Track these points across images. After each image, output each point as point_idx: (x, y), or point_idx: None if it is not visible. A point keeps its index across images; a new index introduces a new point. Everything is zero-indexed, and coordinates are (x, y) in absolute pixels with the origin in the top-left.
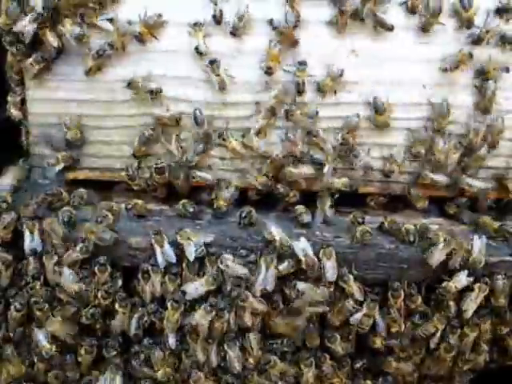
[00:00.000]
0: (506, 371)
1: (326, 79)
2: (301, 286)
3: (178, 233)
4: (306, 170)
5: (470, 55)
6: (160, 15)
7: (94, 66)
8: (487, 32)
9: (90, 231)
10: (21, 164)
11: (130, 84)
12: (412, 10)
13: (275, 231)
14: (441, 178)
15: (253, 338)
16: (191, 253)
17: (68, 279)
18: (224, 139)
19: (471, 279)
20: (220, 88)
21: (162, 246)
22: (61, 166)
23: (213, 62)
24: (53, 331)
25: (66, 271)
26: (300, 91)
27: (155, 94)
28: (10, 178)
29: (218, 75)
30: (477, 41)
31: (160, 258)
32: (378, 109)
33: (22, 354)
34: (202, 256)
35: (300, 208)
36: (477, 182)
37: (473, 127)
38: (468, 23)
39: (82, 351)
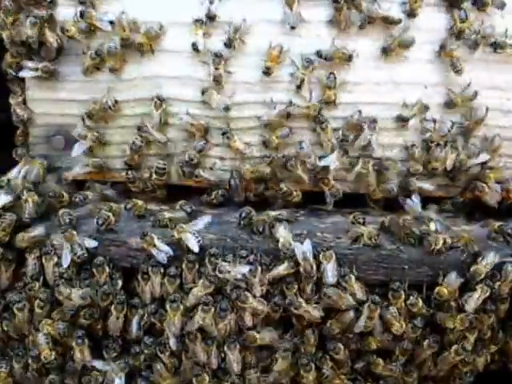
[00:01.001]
0: (507, 372)
1: (328, 92)
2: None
3: (173, 229)
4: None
5: (451, 50)
6: (161, 26)
7: (90, 66)
8: (483, 38)
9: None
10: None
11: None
12: (412, 14)
13: (282, 232)
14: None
15: (254, 375)
16: (194, 244)
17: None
18: (228, 137)
19: (462, 279)
20: (214, 81)
21: (154, 245)
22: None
23: (218, 56)
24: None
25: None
26: (299, 87)
27: (114, 107)
28: None
29: (217, 69)
30: (473, 46)
31: (159, 256)
32: (403, 119)
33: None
34: (202, 257)
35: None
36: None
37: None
38: (459, 33)
39: (73, 343)
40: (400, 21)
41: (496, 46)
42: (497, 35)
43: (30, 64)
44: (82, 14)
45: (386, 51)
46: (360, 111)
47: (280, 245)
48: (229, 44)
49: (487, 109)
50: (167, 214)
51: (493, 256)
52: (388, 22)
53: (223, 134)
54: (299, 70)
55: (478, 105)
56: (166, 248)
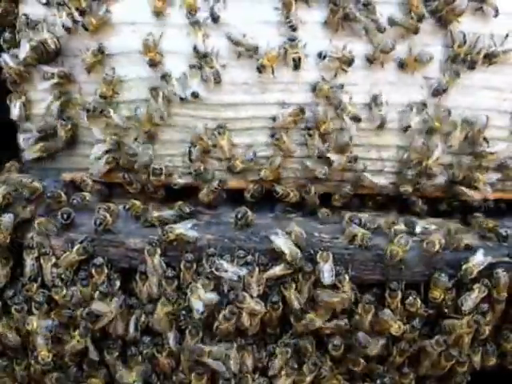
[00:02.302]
0: (506, 372)
1: (324, 85)
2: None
3: (165, 234)
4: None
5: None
6: (151, 33)
7: (93, 64)
8: (478, 53)
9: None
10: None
11: None
12: (419, 19)
13: (282, 245)
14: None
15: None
16: (193, 235)
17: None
18: (220, 133)
19: (452, 281)
20: (215, 80)
21: (153, 259)
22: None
23: (205, 56)
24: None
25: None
26: (296, 67)
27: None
28: None
29: (213, 67)
30: (471, 66)
31: (150, 269)
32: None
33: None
34: (200, 258)
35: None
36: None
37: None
38: (454, 57)
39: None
40: (384, 30)
41: (490, 57)
42: (487, 46)
43: (46, 69)
44: (85, 28)
45: (369, 60)
46: (351, 137)
47: (288, 257)
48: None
49: (487, 118)
50: (155, 213)
51: (481, 255)
52: (375, 28)
53: (218, 127)
54: (288, 51)
55: (477, 112)
56: (159, 268)
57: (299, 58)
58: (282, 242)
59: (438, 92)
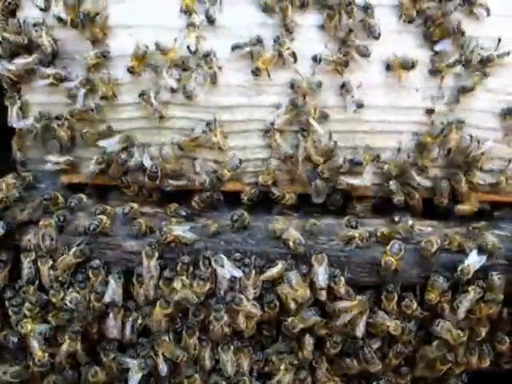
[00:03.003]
0: (505, 371)
1: (302, 82)
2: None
3: (163, 235)
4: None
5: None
6: (146, 46)
7: (94, 65)
8: (471, 52)
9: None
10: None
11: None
12: (410, 21)
13: (300, 291)
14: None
15: None
16: (191, 236)
17: None
18: (211, 129)
19: (448, 283)
20: (211, 81)
21: (149, 261)
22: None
23: (207, 55)
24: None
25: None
26: (295, 61)
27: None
28: None
29: (211, 67)
30: (466, 64)
31: (144, 271)
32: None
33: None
34: (197, 259)
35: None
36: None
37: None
38: (436, 73)
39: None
40: (379, 36)
41: (485, 62)
42: (483, 50)
43: (44, 70)
44: (95, 40)
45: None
46: (331, 134)
47: (291, 244)
48: (256, 73)
49: (471, 137)
50: (143, 221)
51: (475, 255)
52: (369, 32)
53: (207, 124)
54: (278, 50)
55: (472, 113)
56: (154, 271)
57: (293, 52)
58: (297, 286)
59: (465, 90)
